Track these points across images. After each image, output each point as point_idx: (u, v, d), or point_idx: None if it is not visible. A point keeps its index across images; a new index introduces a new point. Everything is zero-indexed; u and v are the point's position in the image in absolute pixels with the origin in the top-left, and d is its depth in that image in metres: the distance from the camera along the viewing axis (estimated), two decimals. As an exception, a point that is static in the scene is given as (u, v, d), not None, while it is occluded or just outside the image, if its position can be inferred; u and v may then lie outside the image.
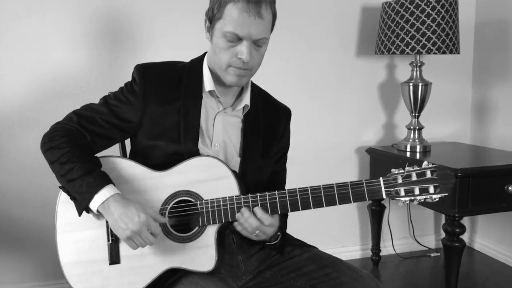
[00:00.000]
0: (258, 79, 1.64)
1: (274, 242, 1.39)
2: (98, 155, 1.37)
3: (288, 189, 1.29)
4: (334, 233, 2.78)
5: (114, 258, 1.32)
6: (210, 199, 1.29)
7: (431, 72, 2.67)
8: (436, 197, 1.25)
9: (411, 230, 2.89)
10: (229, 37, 1.28)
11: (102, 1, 2.23)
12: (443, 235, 2.22)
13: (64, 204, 1.33)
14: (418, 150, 2.48)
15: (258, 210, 1.28)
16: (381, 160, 2.55)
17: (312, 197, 1.27)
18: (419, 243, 2.89)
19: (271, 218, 1.29)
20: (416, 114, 2.52)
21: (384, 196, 1.25)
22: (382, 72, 2.72)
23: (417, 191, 1.25)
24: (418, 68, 2.49)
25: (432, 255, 2.83)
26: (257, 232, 1.29)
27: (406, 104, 2.54)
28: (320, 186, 1.27)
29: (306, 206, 1.28)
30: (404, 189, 1.25)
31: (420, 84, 2.46)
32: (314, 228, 2.71)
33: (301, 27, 2.53)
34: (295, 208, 1.28)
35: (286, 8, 2.47)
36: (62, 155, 1.28)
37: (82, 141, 1.34)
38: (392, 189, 1.25)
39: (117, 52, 2.27)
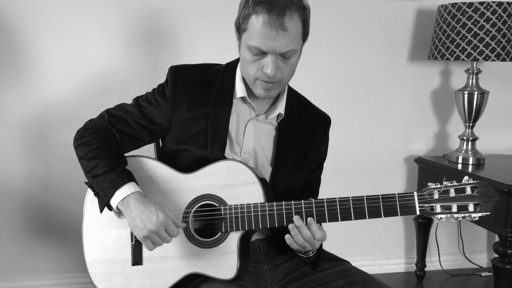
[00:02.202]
0: (303, 82, 1.59)
1: (310, 255, 1.32)
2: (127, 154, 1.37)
3: (315, 200, 1.23)
4: (377, 244, 2.68)
5: (137, 259, 1.31)
6: (234, 205, 1.26)
7: (488, 80, 2.50)
8: (476, 216, 1.15)
9: (461, 246, 2.73)
10: (253, 51, 1.23)
11: (149, 1, 2.24)
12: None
13: (91, 202, 1.35)
14: (470, 162, 2.34)
15: (313, 221, 1.22)
16: (430, 171, 2.42)
17: (340, 209, 1.21)
18: (469, 260, 2.73)
19: (322, 232, 1.23)
20: (470, 124, 2.37)
21: (418, 212, 1.17)
22: (436, 78, 2.59)
23: (454, 208, 1.16)
24: (474, 76, 2.34)
25: (483, 274, 2.66)
26: (306, 244, 1.23)
27: (460, 113, 2.40)
28: (349, 198, 1.21)
29: (333, 218, 1.22)
30: (441, 206, 1.16)
31: (476, 92, 2.32)
32: (357, 238, 2.64)
33: (352, 30, 2.45)
34: (321, 220, 1.22)
35: (336, 9, 2.41)
36: (89, 151, 1.30)
37: (111, 139, 1.35)
38: (427, 205, 1.17)
39: (162, 52, 2.29)
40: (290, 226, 1.23)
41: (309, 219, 1.22)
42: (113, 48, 2.25)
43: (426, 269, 2.59)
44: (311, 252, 1.31)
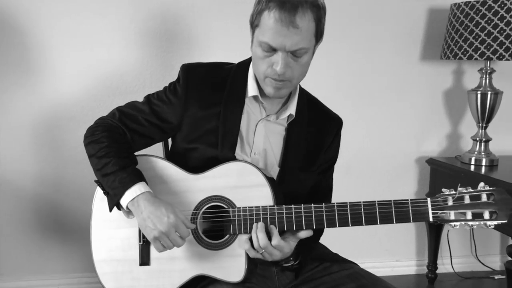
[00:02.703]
0: (312, 82, 1.57)
1: (286, 264, 1.31)
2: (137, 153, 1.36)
3: (325, 204, 1.21)
4: (388, 246, 2.65)
5: (145, 259, 1.30)
6: (243, 207, 1.24)
7: (502, 80, 2.46)
8: (491, 224, 1.12)
9: (473, 248, 2.69)
10: (264, 47, 1.22)
11: (157, 2, 2.23)
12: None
13: (100, 200, 1.34)
14: (483, 163, 2.30)
15: (273, 228, 1.22)
16: (442, 172, 2.39)
17: (350, 214, 1.19)
18: (481, 263, 2.69)
19: (279, 240, 1.21)
20: (483, 125, 2.33)
21: (431, 219, 1.14)
22: (448, 78, 2.55)
23: (469, 216, 1.12)
24: (487, 76, 2.30)
25: (496, 277, 2.62)
26: (262, 251, 1.21)
27: (473, 114, 2.36)
28: (360, 202, 1.19)
29: (343, 223, 1.20)
30: (455, 213, 1.13)
31: (489, 92, 2.28)
32: (368, 239, 2.61)
33: (363, 29, 2.42)
34: (331, 224, 1.20)
35: (347, 7, 2.38)
36: (100, 149, 1.29)
37: (122, 138, 1.34)
38: (441, 211, 1.13)
39: (172, 51, 2.28)
40: (253, 226, 1.22)
41: (270, 226, 1.22)
42: (123, 48, 2.24)
43: (437, 271, 2.55)
44: (283, 262, 1.30)
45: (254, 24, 1.25)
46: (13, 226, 2.28)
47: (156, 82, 2.27)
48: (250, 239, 1.23)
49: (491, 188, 1.13)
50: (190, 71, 1.38)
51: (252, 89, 1.34)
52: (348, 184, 2.52)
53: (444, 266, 2.65)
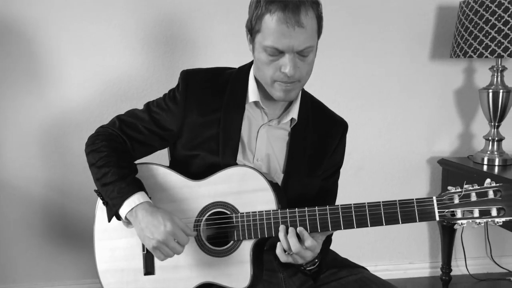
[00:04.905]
0: (321, 83, 1.54)
1: (310, 268, 1.27)
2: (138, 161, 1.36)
3: (330, 206, 1.18)
4: (401, 248, 2.61)
5: (149, 268, 1.30)
6: (246, 213, 1.22)
7: (515, 78, 2.42)
8: (499, 220, 1.09)
9: (488, 249, 2.64)
10: (269, 51, 1.19)
11: (165, 5, 2.24)
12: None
13: (102, 210, 1.33)
14: (496, 163, 2.26)
15: (303, 230, 1.17)
16: (455, 172, 2.35)
17: (355, 215, 1.16)
18: (497, 264, 2.63)
19: (312, 240, 1.17)
20: (496, 124, 2.29)
21: (437, 218, 1.12)
22: (459, 77, 2.51)
23: (476, 213, 1.10)
24: (499, 73, 2.26)
25: (512, 279, 2.58)
26: (293, 255, 1.19)
27: (485, 113, 2.32)
28: (365, 203, 1.16)
29: (348, 225, 1.17)
30: (461, 211, 1.10)
31: (501, 90, 2.24)
32: (380, 242, 2.57)
33: (370, 28, 2.39)
34: (336, 227, 1.17)
35: (354, 7, 2.35)
36: (100, 159, 1.28)
37: (122, 146, 1.34)
38: (447, 210, 1.11)
39: (178, 56, 2.27)
40: (280, 232, 1.18)
41: (300, 228, 1.18)
42: (129, 54, 2.25)
43: (452, 273, 2.50)
44: (309, 265, 1.26)
45: (254, 29, 1.22)
46: (23, 233, 2.29)
47: (163, 87, 2.25)
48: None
49: (498, 185, 1.10)
50: (189, 77, 1.36)
51: (252, 95, 1.32)
52: (359, 186, 2.49)
53: (458, 268, 2.61)
